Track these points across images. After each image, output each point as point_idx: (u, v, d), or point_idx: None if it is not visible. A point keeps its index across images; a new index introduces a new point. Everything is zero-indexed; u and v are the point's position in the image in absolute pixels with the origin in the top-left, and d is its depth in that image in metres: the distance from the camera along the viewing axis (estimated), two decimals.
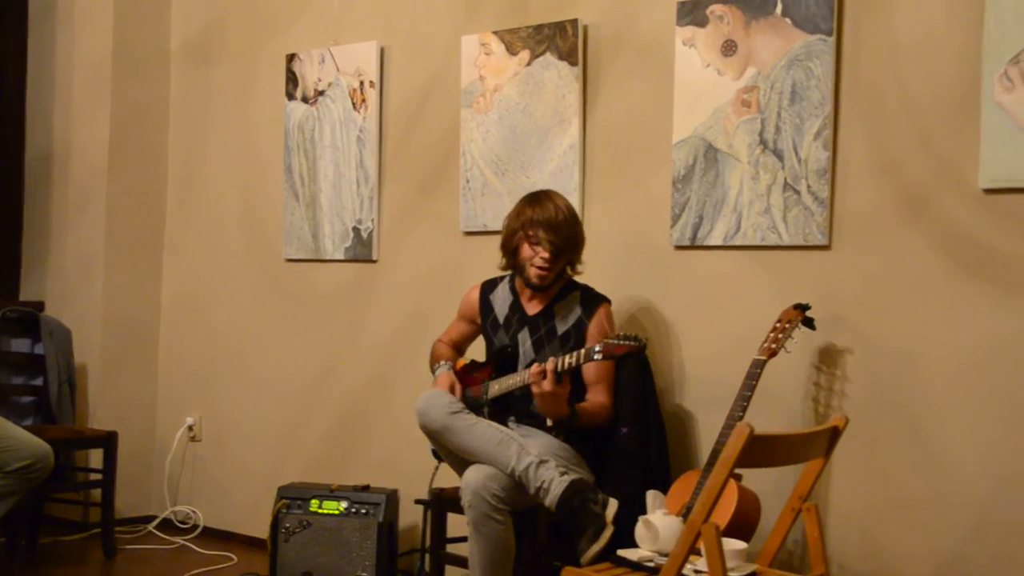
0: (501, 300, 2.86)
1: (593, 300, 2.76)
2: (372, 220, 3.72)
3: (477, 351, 3.04)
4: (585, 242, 2.77)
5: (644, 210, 3.04)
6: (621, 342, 2.39)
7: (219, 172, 4.22)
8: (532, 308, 2.79)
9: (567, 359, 2.48)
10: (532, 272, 2.69)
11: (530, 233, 2.65)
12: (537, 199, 2.70)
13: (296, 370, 3.98)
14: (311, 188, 3.87)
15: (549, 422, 2.59)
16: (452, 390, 2.75)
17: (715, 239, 2.84)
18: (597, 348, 2.42)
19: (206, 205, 4.26)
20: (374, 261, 3.75)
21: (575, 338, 2.71)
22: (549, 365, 2.47)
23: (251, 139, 4.10)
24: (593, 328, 2.67)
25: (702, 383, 2.86)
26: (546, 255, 2.64)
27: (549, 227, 2.61)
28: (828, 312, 2.64)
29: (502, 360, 2.80)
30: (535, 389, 2.49)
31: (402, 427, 3.57)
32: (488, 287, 2.92)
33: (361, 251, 3.77)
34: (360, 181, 3.72)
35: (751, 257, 2.80)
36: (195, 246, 4.30)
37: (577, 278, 2.81)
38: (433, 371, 2.91)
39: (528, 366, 2.61)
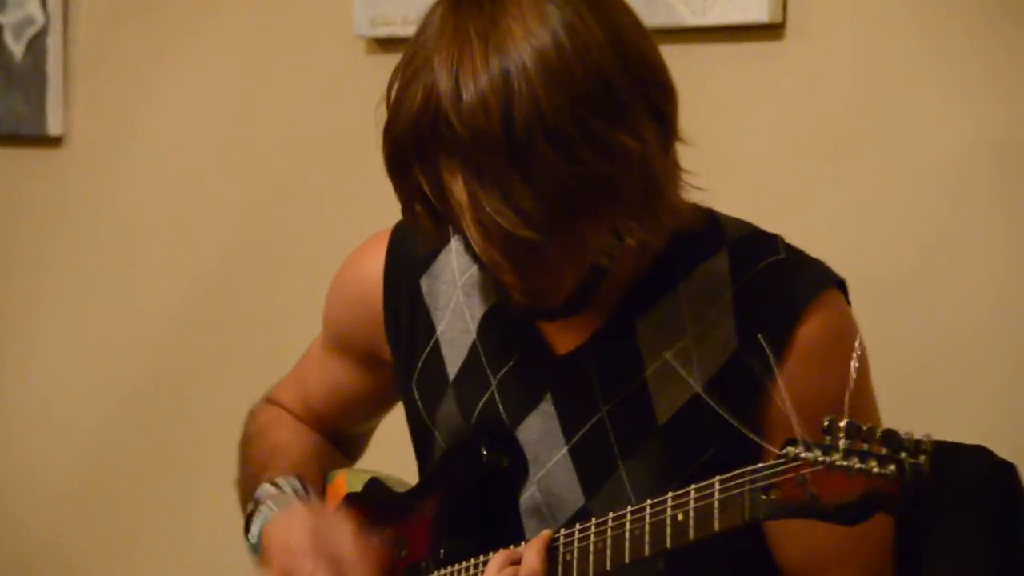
0: (458, 296, 2.73)
1: (782, 295, 2.48)
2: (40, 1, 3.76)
3: (392, 453, 2.84)
4: (660, 185, 2.39)
5: None
6: (880, 472, 2.17)
7: None
8: (565, 335, 2.59)
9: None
10: (512, 292, 2.59)
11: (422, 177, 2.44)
12: (459, 28, 2.50)
13: None
14: None
15: None
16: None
17: None
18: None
19: None
20: (55, 140, 3.77)
21: (720, 437, 2.44)
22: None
23: None
24: (796, 397, 2.36)
25: None
26: (509, 277, 2.47)
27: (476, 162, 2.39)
28: None
29: (462, 489, 2.64)
30: None
31: None
32: (411, 247, 2.73)
33: (7, 105, 3.82)
34: None
35: None
36: None
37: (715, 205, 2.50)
38: (249, 516, 2.67)
39: (564, 528, 2.41)
